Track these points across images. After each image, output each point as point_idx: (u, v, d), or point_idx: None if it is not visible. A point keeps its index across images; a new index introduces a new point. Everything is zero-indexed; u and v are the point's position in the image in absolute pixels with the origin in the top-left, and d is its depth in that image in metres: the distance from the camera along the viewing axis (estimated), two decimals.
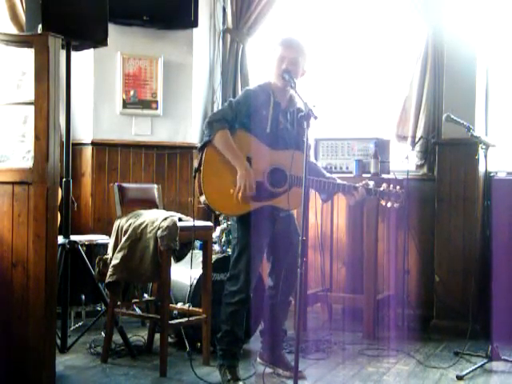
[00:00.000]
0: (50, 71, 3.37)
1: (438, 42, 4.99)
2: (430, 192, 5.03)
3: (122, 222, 4.00)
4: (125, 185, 4.23)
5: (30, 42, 3.53)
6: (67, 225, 4.17)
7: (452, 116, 4.17)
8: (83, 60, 5.13)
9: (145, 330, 4.52)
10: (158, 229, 3.79)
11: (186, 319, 3.89)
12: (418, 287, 5.10)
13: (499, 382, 3.83)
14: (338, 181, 3.64)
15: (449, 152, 4.88)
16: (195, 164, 3.61)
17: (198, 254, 4.26)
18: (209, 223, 4.13)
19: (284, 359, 3.84)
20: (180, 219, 3.89)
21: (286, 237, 3.68)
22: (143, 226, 3.88)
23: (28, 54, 3.57)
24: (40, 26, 3.87)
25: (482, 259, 4.70)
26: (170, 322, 3.87)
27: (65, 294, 4.14)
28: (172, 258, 3.87)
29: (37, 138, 3.39)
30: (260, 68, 5.73)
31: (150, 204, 4.30)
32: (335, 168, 4.91)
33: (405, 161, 4.91)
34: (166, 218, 3.84)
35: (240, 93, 4.08)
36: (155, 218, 3.88)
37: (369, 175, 4.69)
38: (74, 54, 4.26)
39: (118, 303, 4.05)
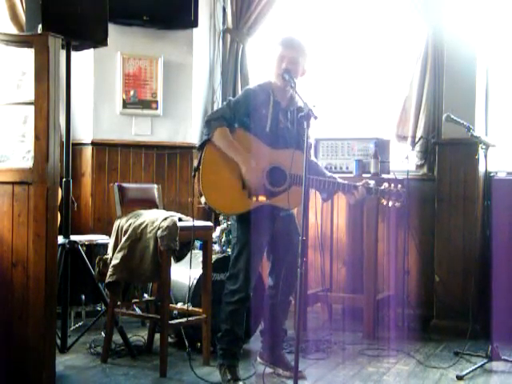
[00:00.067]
0: (50, 71, 3.37)
1: (438, 42, 4.99)
2: (430, 192, 5.03)
3: (122, 222, 4.00)
4: (125, 185, 4.23)
5: (30, 41, 3.53)
6: (67, 225, 4.17)
7: (452, 116, 4.17)
8: (83, 60, 5.13)
9: (145, 330, 4.52)
10: (158, 229, 3.79)
11: (186, 319, 3.88)
12: (418, 287, 5.10)
13: (499, 382, 3.83)
14: (339, 180, 3.64)
15: (449, 152, 4.88)
16: (195, 163, 3.62)
17: (198, 254, 4.26)
18: (209, 223, 4.13)
19: (284, 359, 3.84)
20: (180, 219, 3.89)
21: (286, 236, 3.68)
22: (143, 226, 3.88)
23: (28, 54, 3.57)
24: (40, 26, 3.87)
25: (482, 259, 4.70)
26: (170, 322, 3.87)
27: (65, 293, 4.14)
28: (172, 258, 3.87)
29: (37, 138, 3.39)
30: (260, 68, 5.73)
31: (150, 204, 4.30)
32: (335, 168, 4.91)
33: (405, 161, 4.91)
34: (165, 218, 3.84)
35: (240, 92, 4.09)
36: (155, 218, 3.88)
37: (369, 175, 4.69)
38: (74, 53, 4.26)
39: (118, 303, 4.05)
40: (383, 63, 5.46)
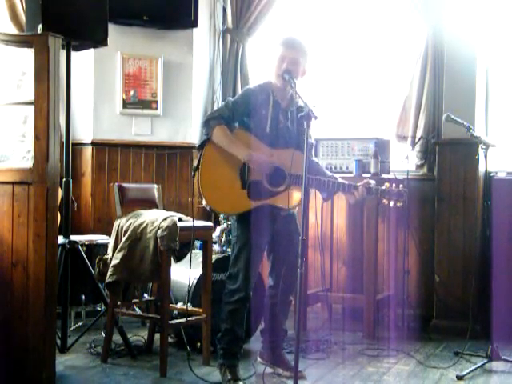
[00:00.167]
0: (50, 71, 3.37)
1: (438, 42, 4.99)
2: (430, 192, 5.04)
3: (122, 222, 4.00)
4: (125, 185, 4.23)
5: (30, 41, 3.53)
6: (67, 225, 4.17)
7: (452, 116, 4.17)
8: (83, 60, 5.13)
9: (145, 330, 4.52)
10: (158, 229, 3.79)
11: (186, 319, 3.88)
12: (418, 287, 5.11)
13: (499, 382, 3.83)
14: (339, 179, 3.63)
15: (449, 152, 4.88)
16: (195, 163, 3.62)
17: (198, 254, 4.26)
18: (209, 223, 4.13)
19: (284, 359, 3.84)
20: (180, 219, 3.89)
21: (286, 236, 3.68)
22: (143, 226, 3.88)
23: (28, 54, 3.57)
24: (40, 26, 3.87)
25: (482, 259, 4.70)
26: (170, 322, 3.87)
27: (65, 293, 4.14)
28: (172, 258, 3.87)
29: (37, 138, 3.39)
30: (260, 68, 5.73)
31: (150, 204, 4.30)
32: (335, 168, 4.91)
33: (405, 161, 4.91)
34: (166, 218, 3.84)
35: (240, 92, 4.09)
36: (155, 218, 3.88)
37: (369, 175, 4.69)
38: (74, 53, 4.26)
39: (118, 303, 4.05)
40: (383, 63, 5.46)
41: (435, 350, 4.44)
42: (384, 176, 4.75)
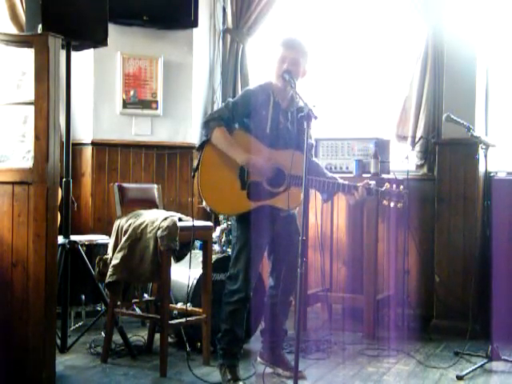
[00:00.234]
0: (50, 71, 3.37)
1: (438, 42, 4.99)
2: (430, 192, 5.03)
3: (122, 222, 4.00)
4: (125, 185, 4.23)
5: (30, 41, 3.53)
6: (67, 225, 4.17)
7: (452, 116, 4.17)
8: (83, 60, 5.13)
9: (145, 330, 4.52)
10: (158, 229, 3.79)
11: (186, 319, 3.88)
12: (418, 287, 5.10)
13: (499, 382, 3.83)
14: (339, 180, 3.63)
15: (449, 152, 4.88)
16: (195, 164, 3.62)
17: (197, 254, 4.26)
18: (209, 223, 4.13)
19: (284, 359, 3.84)
20: (180, 219, 3.89)
21: (286, 237, 3.68)
22: (143, 226, 3.88)
23: (28, 54, 3.57)
24: (40, 26, 3.87)
25: (482, 259, 4.70)
26: (170, 322, 3.87)
27: (65, 293, 4.14)
28: (172, 258, 3.87)
29: (37, 138, 3.39)
30: (260, 68, 5.73)
31: (150, 204, 4.30)
32: (335, 168, 4.91)
33: (405, 161, 4.91)
34: (166, 218, 3.84)
35: (240, 92, 4.09)
36: (155, 218, 3.88)
37: (369, 175, 4.69)
38: (74, 53, 4.26)
39: (118, 303, 4.05)
40: (383, 63, 5.46)
41: (435, 350, 4.44)
42: (384, 176, 4.75)
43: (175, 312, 4.11)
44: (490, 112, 5.12)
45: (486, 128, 5.11)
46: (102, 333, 4.25)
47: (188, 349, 3.94)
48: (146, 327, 4.57)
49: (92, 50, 4.79)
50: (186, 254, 3.96)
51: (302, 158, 3.17)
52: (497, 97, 5.12)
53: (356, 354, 4.30)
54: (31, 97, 3.42)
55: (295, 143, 3.58)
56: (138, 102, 5.41)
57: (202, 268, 4.02)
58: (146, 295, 4.43)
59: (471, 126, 4.11)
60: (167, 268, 3.79)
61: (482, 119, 5.02)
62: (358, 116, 5.55)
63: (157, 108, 5.45)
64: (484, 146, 4.10)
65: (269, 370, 3.79)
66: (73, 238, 4.22)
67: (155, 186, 4.42)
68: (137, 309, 4.68)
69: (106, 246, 4.49)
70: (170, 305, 3.96)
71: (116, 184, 4.16)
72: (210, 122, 3.54)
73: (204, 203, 3.54)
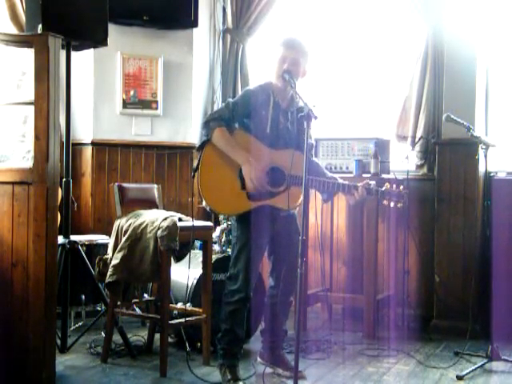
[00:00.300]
0: (50, 71, 3.37)
1: (438, 42, 4.99)
2: (429, 192, 5.03)
3: (122, 222, 4.00)
4: (125, 185, 4.23)
5: (30, 41, 3.53)
6: (67, 225, 4.17)
7: (452, 116, 4.17)
8: (83, 60, 5.13)
9: (145, 330, 4.52)
10: (158, 229, 3.79)
11: (186, 319, 3.88)
12: (418, 287, 5.11)
13: (499, 382, 3.83)
14: (339, 180, 3.63)
15: (449, 152, 4.88)
16: (195, 164, 3.62)
17: (197, 254, 4.26)
18: (209, 223, 4.13)
19: (284, 359, 3.84)
20: (180, 219, 3.89)
21: (286, 236, 3.68)
22: (143, 226, 3.88)
23: (28, 54, 3.57)
24: (40, 26, 3.87)
25: (482, 259, 4.70)
26: (170, 322, 3.87)
27: (65, 293, 4.14)
28: (172, 258, 3.87)
29: (37, 138, 3.39)
30: (260, 68, 5.73)
31: (150, 204, 4.30)
32: (335, 168, 4.91)
33: (405, 161, 4.91)
34: (166, 218, 3.84)
35: (240, 93, 4.09)
36: (155, 218, 3.88)
37: (369, 175, 4.69)
38: (74, 53, 4.26)
39: (118, 303, 4.05)
40: (383, 63, 5.46)
41: (435, 350, 4.44)
42: (384, 176, 4.75)
43: (175, 312, 4.11)
44: (490, 112, 5.12)
45: (486, 128, 5.11)
46: (102, 333, 4.25)
47: (188, 349, 3.94)
48: (146, 327, 4.57)
49: (92, 50, 4.79)
50: (186, 254, 3.96)
51: (302, 158, 3.17)
52: (497, 97, 5.12)
53: (356, 353, 4.30)
54: (31, 97, 3.42)
55: (295, 143, 3.58)
56: (137, 101, 5.41)
57: (202, 268, 4.02)
58: (145, 295, 4.42)
59: (471, 126, 4.11)
60: (167, 268, 3.79)
61: (482, 119, 5.02)
62: (358, 116, 5.55)
63: (157, 108, 5.45)
64: (484, 146, 4.10)
65: (269, 369, 3.79)
66: (73, 238, 4.22)
67: (155, 186, 4.42)
68: (137, 309, 4.68)
69: (106, 246, 4.49)
70: (170, 305, 3.95)
71: (116, 184, 4.16)
72: (211, 122, 3.54)
73: (204, 203, 3.54)
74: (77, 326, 4.56)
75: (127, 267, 3.86)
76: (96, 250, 4.64)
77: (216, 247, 4.38)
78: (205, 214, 5.21)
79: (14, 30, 4.91)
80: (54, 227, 3.45)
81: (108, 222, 4.92)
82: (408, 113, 5.13)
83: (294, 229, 3.72)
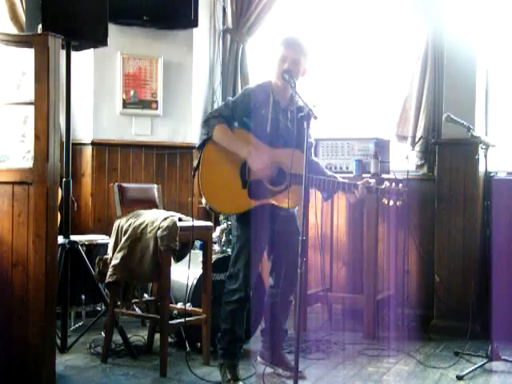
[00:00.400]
0: (49, 71, 3.37)
1: (437, 42, 4.99)
2: (429, 192, 5.03)
3: (122, 222, 4.00)
4: (125, 185, 4.23)
5: (29, 42, 3.53)
6: (67, 225, 4.17)
7: (452, 116, 4.17)
8: (83, 60, 5.13)
9: (145, 330, 4.52)
10: (158, 229, 3.79)
11: (186, 319, 3.88)
12: (418, 287, 5.10)
13: (499, 382, 3.83)
14: (339, 179, 3.63)
15: (449, 152, 4.88)
16: (195, 163, 3.62)
17: (197, 254, 4.26)
18: (209, 223, 4.13)
19: (284, 359, 3.84)
20: (180, 219, 3.89)
21: (286, 236, 3.68)
22: (143, 225, 3.88)
23: (28, 54, 3.57)
24: (40, 26, 3.87)
25: (482, 259, 4.70)
26: (170, 322, 3.87)
27: (65, 294, 4.14)
28: (172, 258, 3.87)
29: (37, 138, 3.39)
30: (260, 68, 5.73)
31: (150, 204, 4.30)
32: (335, 168, 4.91)
33: (405, 161, 4.91)
34: (165, 218, 3.84)
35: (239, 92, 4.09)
36: (155, 218, 3.88)
37: (369, 175, 4.69)
38: (74, 53, 4.27)
39: (118, 303, 4.05)
40: (383, 63, 5.46)
41: (435, 350, 4.44)
42: (384, 176, 4.75)
43: (175, 312, 4.11)
44: (490, 112, 5.12)
45: (486, 128, 5.11)
46: (102, 333, 4.25)
47: (188, 349, 3.94)
48: (146, 327, 4.57)
49: (92, 50, 4.79)
50: (186, 254, 3.96)
51: (303, 157, 3.17)
52: (497, 97, 5.12)
53: (356, 354, 4.30)
54: (31, 97, 3.42)
55: (295, 142, 3.58)
56: (138, 102, 5.42)
57: (202, 268, 4.02)
58: (146, 295, 4.42)
59: (471, 126, 4.10)
60: (167, 268, 3.79)
61: (482, 119, 5.02)
62: (358, 116, 5.55)
63: (157, 108, 5.45)
64: (484, 146, 4.10)
65: (269, 369, 3.79)
66: (73, 238, 4.22)
67: (155, 186, 4.42)
68: (137, 309, 4.68)
69: (106, 246, 4.49)
70: (170, 305, 3.96)
71: (116, 184, 4.16)
72: (211, 119, 3.54)
73: (203, 201, 3.52)
74: (77, 326, 4.56)
75: (127, 267, 3.86)
76: (96, 250, 4.64)
77: (216, 247, 4.38)
78: (205, 214, 5.21)
79: (14, 30, 4.92)
80: (54, 227, 3.45)
81: (108, 222, 4.92)
82: (408, 113, 5.13)
83: (293, 228, 3.72)
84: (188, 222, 3.93)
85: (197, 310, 3.99)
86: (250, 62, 5.73)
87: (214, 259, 4.14)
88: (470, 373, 3.85)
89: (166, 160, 5.49)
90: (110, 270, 3.88)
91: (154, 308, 4.25)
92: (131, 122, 5.42)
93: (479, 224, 4.79)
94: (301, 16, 5.70)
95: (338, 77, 5.64)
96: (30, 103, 3.42)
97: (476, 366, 3.94)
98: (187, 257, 3.90)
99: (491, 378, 3.88)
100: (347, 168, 4.90)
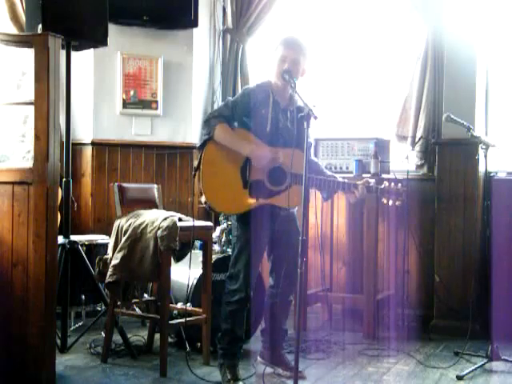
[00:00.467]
0: (49, 71, 3.37)
1: (437, 42, 4.99)
2: (429, 192, 5.03)
3: (122, 222, 4.00)
4: (125, 185, 4.23)
5: (29, 42, 3.53)
6: (67, 225, 4.17)
7: (452, 116, 4.17)
8: (83, 60, 5.13)
9: (145, 330, 4.52)
10: (158, 229, 3.79)
11: (186, 319, 3.88)
12: (418, 287, 5.10)
13: (499, 382, 3.83)
14: (339, 179, 3.63)
15: (449, 152, 4.88)
16: (195, 163, 3.62)
17: (198, 254, 4.26)
18: (209, 223, 4.13)
19: (284, 359, 3.84)
20: (180, 219, 3.89)
21: (286, 236, 3.68)
22: (143, 225, 3.88)
23: (28, 54, 3.57)
24: (40, 26, 3.87)
25: (482, 259, 4.70)
26: (170, 322, 3.87)
27: (65, 294, 4.14)
28: (172, 258, 3.87)
29: (37, 138, 3.39)
30: (260, 68, 5.73)
31: (150, 204, 4.30)
32: (335, 168, 4.91)
33: (405, 161, 4.91)
34: (165, 218, 3.84)
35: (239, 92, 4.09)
36: (155, 218, 3.88)
37: (369, 175, 4.69)
38: (74, 53, 4.27)
39: (118, 303, 4.05)
40: (383, 63, 5.46)
41: (435, 350, 4.44)
42: (384, 176, 4.75)
43: (175, 312, 4.11)
44: (490, 112, 5.12)
45: (486, 128, 5.11)
46: (102, 333, 4.25)
47: (188, 349, 3.94)
48: (146, 327, 4.57)
49: (92, 50, 4.79)
50: (186, 254, 3.96)
51: (303, 156, 3.17)
52: (497, 97, 5.12)
53: (356, 353, 4.30)
54: (31, 97, 3.42)
55: (295, 142, 3.58)
56: (138, 102, 5.42)
57: (202, 268, 4.02)
58: (146, 295, 4.42)
59: (471, 126, 4.10)
60: (167, 268, 3.79)
61: (482, 119, 5.02)
62: (358, 116, 5.55)
63: (157, 108, 5.45)
64: (484, 146, 4.10)
65: (269, 369, 3.79)
66: (73, 238, 4.22)
67: (155, 186, 4.42)
68: (137, 309, 4.68)
69: (106, 246, 4.49)
70: (170, 305, 3.96)
71: (116, 184, 4.16)
72: (211, 119, 3.54)
73: (203, 200, 3.52)
74: (77, 326, 4.56)
75: (127, 267, 3.86)
76: (96, 250, 4.64)
77: (216, 247, 4.38)
78: (205, 214, 5.21)
79: (14, 30, 4.92)
80: (54, 227, 3.45)
81: (108, 222, 4.92)
82: (408, 113, 5.13)
83: (293, 228, 3.72)
84: (188, 222, 3.93)
85: (197, 310, 3.99)
86: (250, 61, 5.73)
87: (214, 259, 4.14)
88: (470, 373, 3.85)
89: (166, 160, 5.49)
90: (110, 270, 3.88)
91: (153, 308, 4.25)
92: (131, 122, 5.42)
93: (479, 224, 4.79)
94: (301, 16, 5.70)
95: (337, 77, 5.64)
96: (30, 103, 3.42)
97: (476, 366, 3.94)
98: (187, 257, 3.90)
99: (491, 378, 3.88)
100: (347, 168, 4.90)
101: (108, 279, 3.87)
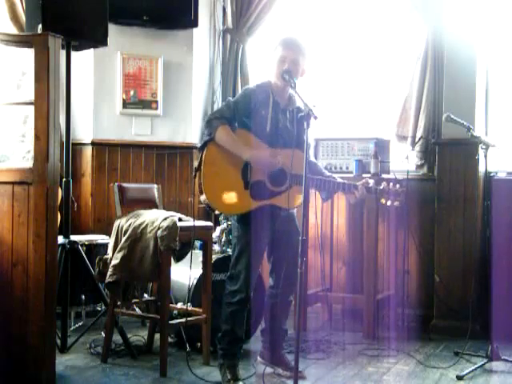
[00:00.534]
0: (49, 71, 3.37)
1: (437, 42, 4.99)
2: (429, 192, 5.03)
3: (122, 222, 4.00)
4: (125, 185, 4.23)
5: (29, 42, 3.53)
6: (67, 225, 4.17)
7: (452, 116, 4.17)
8: (83, 60, 5.13)
9: (145, 330, 4.52)
10: (158, 229, 3.79)
11: (186, 319, 3.88)
12: (418, 287, 5.10)
13: (499, 382, 3.83)
14: (338, 179, 3.64)
15: (449, 152, 4.88)
16: (195, 163, 3.62)
17: (198, 254, 4.26)
18: (209, 223, 4.13)
19: (284, 359, 3.84)
20: (180, 219, 3.89)
21: (286, 236, 3.68)
22: (143, 225, 3.88)
23: (28, 54, 3.57)
24: (40, 26, 3.87)
25: (482, 259, 4.70)
26: (170, 322, 3.87)
27: (65, 293, 4.14)
28: (172, 258, 3.87)
29: (37, 138, 3.39)
30: (260, 68, 5.73)
31: (150, 204, 4.30)
32: (335, 168, 4.91)
33: (405, 161, 4.90)
34: (165, 218, 3.84)
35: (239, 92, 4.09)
36: (155, 218, 3.88)
37: (369, 175, 4.69)
38: (74, 53, 4.27)
39: (118, 303, 4.05)
40: (383, 63, 5.46)
41: (435, 350, 4.44)
42: (384, 176, 4.75)
43: (175, 312, 4.11)
44: (490, 112, 5.12)
45: (486, 128, 5.11)
46: (102, 333, 4.25)
47: (188, 349, 3.94)
48: (146, 327, 4.57)
49: (92, 50, 4.79)
50: (186, 254, 3.96)
51: (303, 157, 3.17)
52: (497, 97, 5.12)
53: (356, 353, 4.30)
54: (31, 97, 3.42)
55: (295, 142, 3.58)
56: (138, 102, 5.42)
57: (202, 268, 4.02)
58: (146, 295, 4.42)
59: (471, 126, 4.10)
60: (167, 268, 3.79)
61: (482, 119, 5.02)
62: (358, 116, 5.55)
63: (157, 108, 5.45)
64: (484, 146, 4.10)
65: (269, 369, 3.79)
66: (73, 238, 4.22)
67: (155, 186, 4.43)
68: (137, 309, 4.68)
69: (106, 246, 4.49)
70: (170, 305, 3.96)
71: (116, 184, 4.16)
72: (213, 120, 3.54)
73: (202, 200, 3.51)
74: (77, 326, 4.56)
75: (127, 267, 3.86)
76: (96, 250, 4.64)
77: (216, 247, 4.38)
78: (205, 214, 5.21)
79: (14, 30, 4.92)
80: (54, 227, 3.45)
81: (108, 222, 4.92)
82: (408, 113, 5.13)
83: (293, 229, 3.72)
84: (188, 222, 3.93)
85: (197, 310, 3.99)
86: (250, 62, 5.73)
87: (214, 259, 4.14)
88: (470, 373, 3.85)
89: (166, 160, 5.49)
90: (110, 270, 3.88)
91: (153, 308, 4.25)
92: (131, 122, 5.42)
93: (479, 224, 4.79)
94: (301, 16, 5.70)
95: (337, 77, 5.64)
96: (30, 103, 3.42)
97: (476, 365, 3.94)
98: (187, 257, 3.90)
99: (491, 377, 3.88)
100: (347, 168, 4.90)
101: (108, 279, 3.87)
